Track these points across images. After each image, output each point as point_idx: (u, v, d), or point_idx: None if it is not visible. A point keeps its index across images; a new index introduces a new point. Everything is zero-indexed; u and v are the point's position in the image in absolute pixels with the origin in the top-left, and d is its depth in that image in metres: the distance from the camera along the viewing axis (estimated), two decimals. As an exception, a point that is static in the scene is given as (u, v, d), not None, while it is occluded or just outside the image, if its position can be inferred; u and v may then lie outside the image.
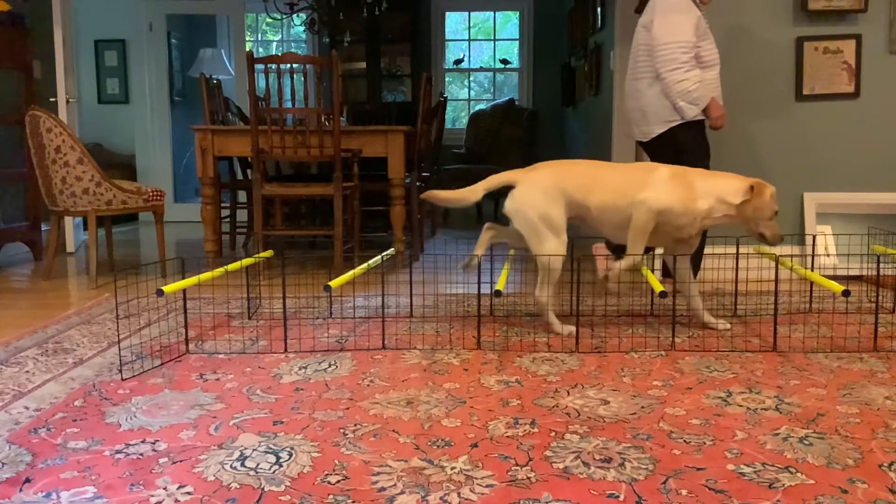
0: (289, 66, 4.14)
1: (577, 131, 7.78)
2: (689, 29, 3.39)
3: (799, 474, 1.62)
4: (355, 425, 1.93)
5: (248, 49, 4.79)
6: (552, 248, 2.83)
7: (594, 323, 3.08)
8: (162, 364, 2.51)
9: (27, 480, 1.62)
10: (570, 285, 3.06)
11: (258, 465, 1.68)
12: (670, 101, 3.44)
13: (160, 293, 2.39)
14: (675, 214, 2.80)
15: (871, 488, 1.55)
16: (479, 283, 2.82)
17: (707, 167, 3.48)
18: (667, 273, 3.66)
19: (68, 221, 5.35)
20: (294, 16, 7.35)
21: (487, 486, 1.57)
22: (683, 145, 3.48)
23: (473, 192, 2.94)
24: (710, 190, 2.83)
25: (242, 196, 5.86)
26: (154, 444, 1.82)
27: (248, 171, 5.59)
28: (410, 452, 1.75)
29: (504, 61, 8.96)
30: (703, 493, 1.53)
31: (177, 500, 1.52)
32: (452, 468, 1.66)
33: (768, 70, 4.22)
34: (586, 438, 1.83)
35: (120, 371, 2.41)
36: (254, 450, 1.77)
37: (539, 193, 2.84)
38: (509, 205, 2.88)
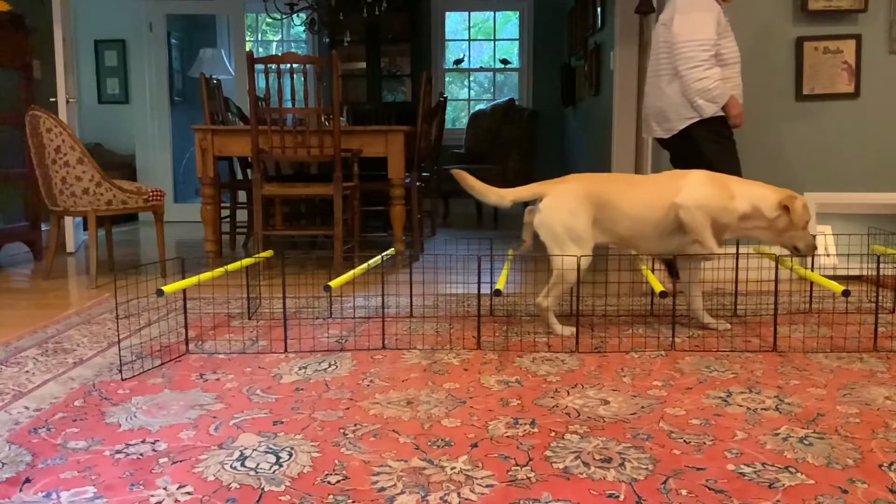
0: (289, 66, 4.14)
1: (577, 131, 7.78)
2: (709, 27, 3.37)
3: (799, 474, 1.62)
4: (355, 425, 1.93)
5: (248, 49, 4.79)
6: (572, 260, 2.80)
7: (594, 323, 3.08)
8: (162, 364, 2.51)
9: (27, 480, 1.62)
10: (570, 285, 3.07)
11: (258, 465, 1.68)
12: (688, 99, 3.43)
13: (160, 293, 2.39)
14: (714, 209, 2.79)
15: (871, 488, 1.55)
16: (479, 283, 2.82)
17: (731, 161, 3.46)
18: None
19: (68, 221, 5.35)
20: (294, 16, 7.35)
21: (487, 486, 1.57)
22: (702, 142, 3.46)
23: (500, 197, 2.93)
24: (747, 194, 2.83)
25: (242, 196, 5.86)
26: (154, 444, 1.82)
27: (248, 171, 5.59)
28: (410, 452, 1.75)
29: (504, 61, 8.96)
30: (703, 493, 1.53)
31: (177, 500, 1.52)
32: (452, 468, 1.66)
33: (768, 70, 4.22)
34: (586, 438, 1.83)
35: (120, 371, 2.41)
36: (254, 450, 1.77)
37: (566, 205, 2.82)
38: (537, 217, 2.87)
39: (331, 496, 1.53)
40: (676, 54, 3.41)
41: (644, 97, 3.74)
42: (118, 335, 2.77)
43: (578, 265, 2.74)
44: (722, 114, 3.47)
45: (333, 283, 2.50)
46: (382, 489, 1.56)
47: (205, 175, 4.53)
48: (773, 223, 2.83)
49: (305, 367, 2.46)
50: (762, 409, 2.04)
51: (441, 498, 1.52)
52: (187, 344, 2.71)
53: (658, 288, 2.57)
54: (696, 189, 2.80)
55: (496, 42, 9.08)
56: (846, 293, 2.54)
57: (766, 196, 2.84)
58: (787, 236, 2.85)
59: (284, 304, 2.73)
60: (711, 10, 3.39)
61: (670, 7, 3.50)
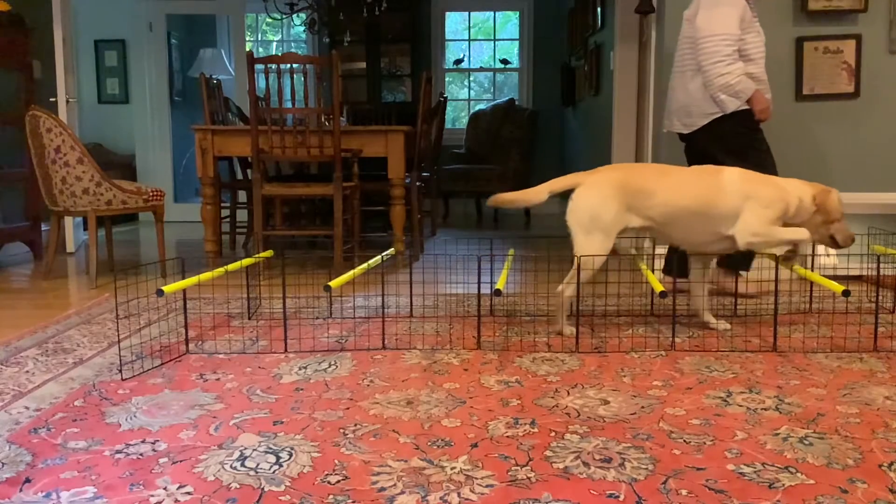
0: (289, 66, 4.14)
1: (577, 131, 7.78)
2: (733, 22, 3.34)
3: (799, 474, 1.62)
4: (355, 425, 1.93)
5: (248, 49, 4.79)
6: (594, 249, 2.81)
7: (594, 323, 3.08)
8: (162, 364, 2.51)
9: (27, 480, 1.62)
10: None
11: (258, 465, 1.68)
12: (710, 94, 3.42)
13: (160, 293, 2.39)
14: (778, 214, 2.79)
15: (871, 488, 1.55)
16: (479, 283, 2.82)
17: (759, 155, 3.46)
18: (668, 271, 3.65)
19: (68, 221, 5.35)
20: (294, 16, 7.35)
21: (487, 486, 1.57)
22: (725, 137, 3.44)
23: (538, 194, 2.94)
24: (795, 190, 2.82)
25: (242, 196, 5.86)
26: (154, 444, 1.82)
27: (248, 171, 5.59)
28: (410, 452, 1.75)
29: (504, 61, 8.96)
30: (703, 493, 1.53)
31: (177, 500, 1.52)
32: (452, 468, 1.66)
33: (768, 70, 4.20)
34: (586, 438, 1.83)
35: (120, 371, 2.41)
36: (254, 450, 1.77)
37: (597, 195, 2.83)
38: (569, 205, 2.88)
39: (331, 496, 1.53)
40: (699, 49, 3.39)
41: (669, 91, 3.72)
42: (118, 335, 2.77)
43: (588, 266, 2.75)
44: (746, 107, 3.45)
45: (333, 283, 2.50)
46: (382, 489, 1.56)
47: (205, 175, 4.53)
48: (811, 218, 2.83)
49: (305, 367, 2.46)
50: (762, 409, 2.04)
51: (441, 498, 1.52)
52: (187, 344, 2.71)
53: (658, 288, 2.57)
54: (751, 214, 2.77)
55: (496, 42, 9.08)
56: (846, 293, 2.54)
57: (805, 190, 2.84)
58: (824, 230, 2.85)
59: (284, 304, 2.73)
60: (736, 4, 3.36)
61: (695, 2, 3.49)
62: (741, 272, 3.55)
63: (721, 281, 3.56)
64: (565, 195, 2.93)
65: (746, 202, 2.77)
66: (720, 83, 3.36)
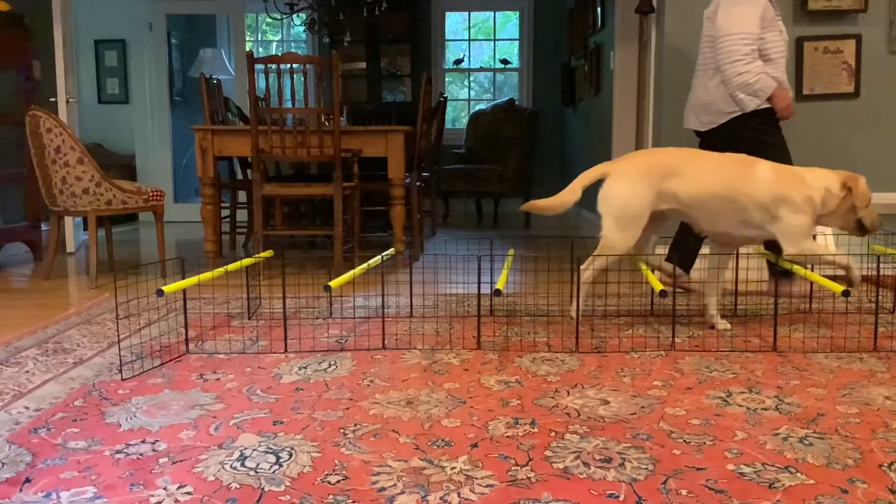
0: (289, 66, 4.14)
1: (577, 131, 7.79)
2: (752, 20, 3.33)
3: (799, 474, 1.62)
4: (355, 425, 1.93)
5: (248, 49, 4.79)
6: (620, 234, 2.84)
7: (594, 323, 3.08)
8: (162, 364, 2.51)
9: (27, 480, 1.62)
10: (570, 285, 3.06)
11: (258, 465, 1.68)
12: (729, 93, 3.41)
13: (160, 293, 2.39)
14: (812, 220, 2.83)
15: (871, 488, 1.55)
16: (479, 283, 2.82)
17: (778, 154, 3.45)
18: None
19: (68, 221, 5.35)
20: (294, 16, 7.35)
21: (487, 486, 1.57)
22: (745, 135, 3.43)
23: (572, 193, 2.95)
24: (820, 181, 2.84)
25: (242, 196, 5.86)
26: (154, 444, 1.82)
27: (248, 171, 5.59)
28: (410, 452, 1.75)
29: (504, 61, 8.96)
30: (703, 493, 1.53)
31: (177, 500, 1.52)
32: (452, 468, 1.66)
33: (768, 70, 4.22)
34: (586, 438, 1.83)
35: (120, 371, 2.41)
36: (254, 450, 1.77)
37: (628, 183, 2.85)
38: (600, 192, 2.89)
39: (331, 496, 1.53)
40: (717, 48, 3.38)
41: (691, 89, 3.72)
42: (118, 335, 2.77)
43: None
44: (767, 106, 3.44)
45: (333, 283, 2.50)
46: (382, 489, 1.56)
47: (205, 175, 4.53)
48: (839, 206, 2.84)
49: (305, 367, 2.46)
50: (762, 409, 2.04)
51: (441, 498, 1.52)
52: (187, 344, 2.71)
53: (658, 287, 2.57)
54: (791, 224, 2.80)
55: (496, 42, 9.08)
56: (846, 293, 2.54)
57: (831, 178, 2.85)
58: (851, 216, 2.86)
59: (284, 304, 2.73)
60: (756, 3, 3.35)
61: (715, 0, 3.48)
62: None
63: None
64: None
65: (780, 207, 2.79)
66: (738, 82, 3.35)
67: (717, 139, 3.51)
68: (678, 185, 2.84)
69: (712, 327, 2.97)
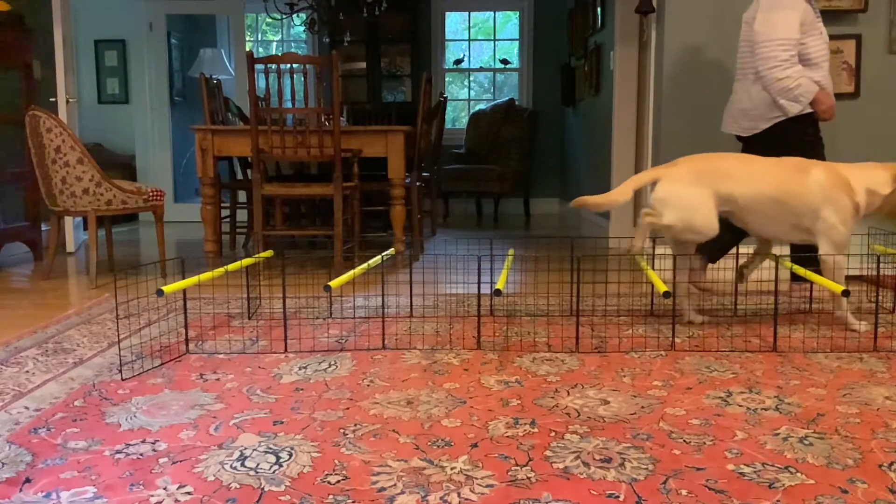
0: (289, 66, 4.14)
1: (577, 131, 7.78)
2: (792, 26, 3.32)
3: (799, 474, 1.62)
4: (355, 425, 1.93)
5: (248, 49, 4.79)
6: (700, 223, 2.85)
7: (594, 323, 3.08)
8: (162, 364, 2.51)
9: (27, 480, 1.62)
10: (570, 285, 3.06)
11: (258, 465, 1.68)
12: (772, 99, 3.41)
13: (160, 293, 2.39)
14: (850, 228, 2.88)
15: (871, 488, 1.55)
16: (479, 282, 2.82)
17: (814, 155, 3.47)
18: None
19: (68, 221, 5.35)
20: (294, 16, 7.34)
21: (487, 486, 1.57)
22: (789, 140, 3.42)
23: (622, 194, 2.96)
24: (861, 178, 2.87)
25: (242, 196, 5.86)
26: (154, 444, 1.82)
27: (248, 171, 5.59)
28: (410, 452, 1.75)
29: (504, 61, 8.96)
30: (703, 493, 1.53)
31: (177, 500, 1.52)
32: (452, 468, 1.66)
33: (768, 70, 4.22)
34: (586, 438, 1.83)
35: (120, 371, 2.41)
36: (254, 450, 1.77)
37: (683, 185, 2.87)
38: (654, 196, 2.91)
39: (331, 496, 1.53)
40: (756, 54, 3.36)
41: (731, 94, 3.70)
42: (118, 335, 2.77)
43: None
44: (810, 110, 3.43)
45: (333, 283, 2.50)
46: (382, 489, 1.56)
47: (205, 175, 4.53)
48: (887, 199, 2.87)
49: (305, 367, 2.46)
50: (762, 409, 2.04)
51: (441, 498, 1.52)
52: (187, 344, 2.71)
53: (661, 288, 2.56)
54: (832, 208, 2.85)
55: (496, 42, 9.08)
56: (846, 293, 2.54)
57: (878, 174, 2.89)
58: None
59: (284, 304, 2.73)
60: (795, 8, 3.33)
61: (754, 4, 3.46)
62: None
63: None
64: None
65: (825, 208, 2.85)
66: (778, 88, 3.34)
67: (761, 143, 3.50)
68: (733, 186, 2.87)
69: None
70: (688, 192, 2.86)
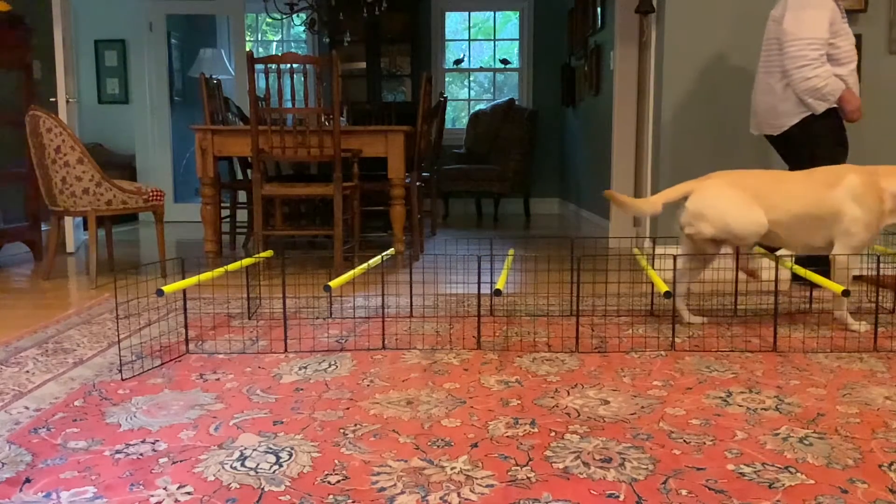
0: (289, 66, 4.14)
1: (577, 131, 7.78)
2: (821, 25, 3.32)
3: (799, 474, 1.62)
4: (355, 425, 1.93)
5: (248, 49, 4.79)
6: (741, 225, 2.85)
7: (594, 323, 3.08)
8: (162, 364, 2.51)
9: (27, 480, 1.62)
10: (570, 285, 3.07)
11: (258, 465, 1.68)
12: (799, 98, 3.41)
13: (160, 293, 2.39)
14: (873, 234, 2.88)
15: (871, 488, 1.55)
16: (479, 283, 2.82)
17: (844, 156, 3.47)
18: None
19: (68, 221, 5.35)
20: (294, 16, 7.35)
21: (487, 486, 1.57)
22: (816, 137, 3.43)
23: (652, 206, 2.97)
24: (891, 187, 2.86)
25: (242, 196, 5.86)
26: (154, 444, 1.82)
27: (248, 171, 5.59)
28: (410, 452, 1.75)
29: (504, 61, 8.96)
30: (703, 493, 1.53)
31: (177, 500, 1.52)
32: (452, 468, 1.66)
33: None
34: (586, 438, 1.83)
35: (120, 371, 2.41)
36: (254, 450, 1.77)
37: (717, 193, 2.87)
38: (687, 211, 2.91)
39: (331, 496, 1.53)
40: (784, 53, 3.36)
41: (753, 93, 3.70)
42: (118, 335, 2.77)
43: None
44: (835, 106, 3.43)
45: (333, 283, 2.50)
46: (382, 489, 1.56)
47: (205, 175, 4.53)
48: None
49: (305, 367, 2.46)
50: (762, 409, 2.04)
51: (441, 498, 1.52)
52: (187, 344, 2.71)
53: (662, 288, 2.56)
54: (858, 215, 2.84)
55: (496, 42, 9.09)
56: (846, 293, 2.54)
57: None
58: None
59: (284, 304, 2.73)
60: (824, 7, 3.33)
61: (782, 2, 3.46)
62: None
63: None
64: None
65: (853, 209, 2.83)
66: (805, 87, 3.33)
67: (789, 140, 3.50)
68: (764, 208, 2.85)
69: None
70: (721, 195, 2.84)
